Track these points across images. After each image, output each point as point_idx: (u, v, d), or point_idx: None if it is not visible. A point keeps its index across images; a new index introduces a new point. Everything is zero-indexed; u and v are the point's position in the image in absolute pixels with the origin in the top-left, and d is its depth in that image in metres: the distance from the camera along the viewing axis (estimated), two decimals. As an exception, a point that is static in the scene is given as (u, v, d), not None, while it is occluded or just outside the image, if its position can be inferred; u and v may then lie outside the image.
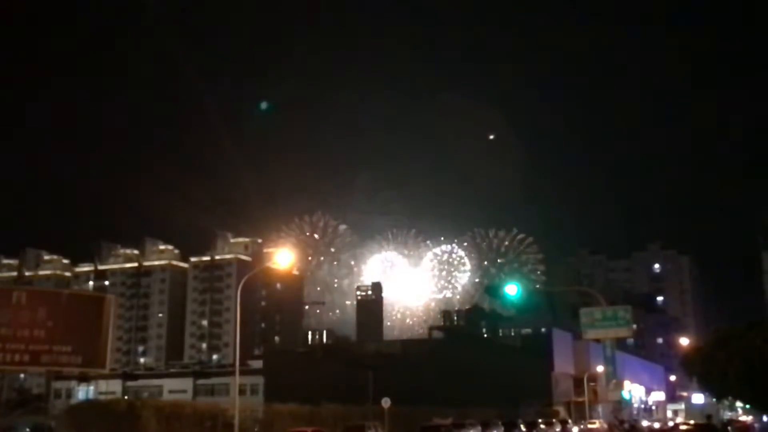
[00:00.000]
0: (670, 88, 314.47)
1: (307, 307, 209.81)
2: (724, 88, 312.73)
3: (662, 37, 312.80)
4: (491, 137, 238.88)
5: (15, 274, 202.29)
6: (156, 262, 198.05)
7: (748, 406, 76.13)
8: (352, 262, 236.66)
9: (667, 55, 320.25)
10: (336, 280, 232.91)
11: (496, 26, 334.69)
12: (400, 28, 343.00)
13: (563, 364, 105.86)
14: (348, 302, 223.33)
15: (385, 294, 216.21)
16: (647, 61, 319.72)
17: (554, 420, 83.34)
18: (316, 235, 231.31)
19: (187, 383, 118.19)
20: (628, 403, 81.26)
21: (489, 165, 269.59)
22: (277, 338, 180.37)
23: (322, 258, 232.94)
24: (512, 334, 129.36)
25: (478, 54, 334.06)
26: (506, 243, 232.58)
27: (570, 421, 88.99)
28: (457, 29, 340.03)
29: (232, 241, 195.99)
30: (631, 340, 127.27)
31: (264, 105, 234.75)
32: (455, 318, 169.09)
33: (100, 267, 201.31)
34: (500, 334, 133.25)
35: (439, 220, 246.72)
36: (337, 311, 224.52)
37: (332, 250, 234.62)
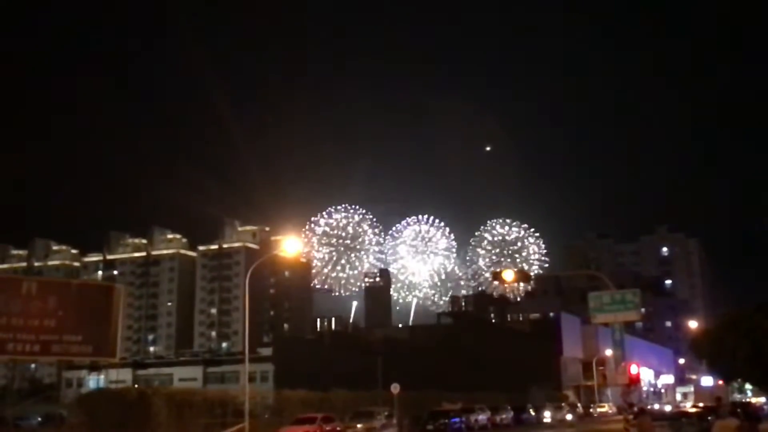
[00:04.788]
0: (670, 79, 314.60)
1: (315, 292, 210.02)
2: (723, 74, 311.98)
3: (661, 34, 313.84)
4: (488, 149, 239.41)
5: (24, 264, 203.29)
6: (164, 251, 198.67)
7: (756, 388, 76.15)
8: (358, 248, 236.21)
9: (666, 51, 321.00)
10: (343, 267, 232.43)
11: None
12: (401, 28, 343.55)
13: (572, 349, 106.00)
14: (356, 289, 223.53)
15: (393, 280, 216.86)
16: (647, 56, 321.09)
17: (563, 404, 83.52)
18: (326, 228, 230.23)
19: (197, 371, 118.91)
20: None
21: (491, 152, 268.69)
22: (286, 325, 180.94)
23: (334, 242, 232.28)
24: (521, 319, 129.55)
25: (475, 51, 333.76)
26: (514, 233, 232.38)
27: (579, 404, 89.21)
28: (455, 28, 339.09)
29: (239, 229, 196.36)
30: (639, 324, 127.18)
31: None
32: (463, 303, 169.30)
33: (109, 256, 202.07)
34: (509, 319, 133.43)
35: (440, 208, 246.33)
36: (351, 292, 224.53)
37: (338, 239, 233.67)
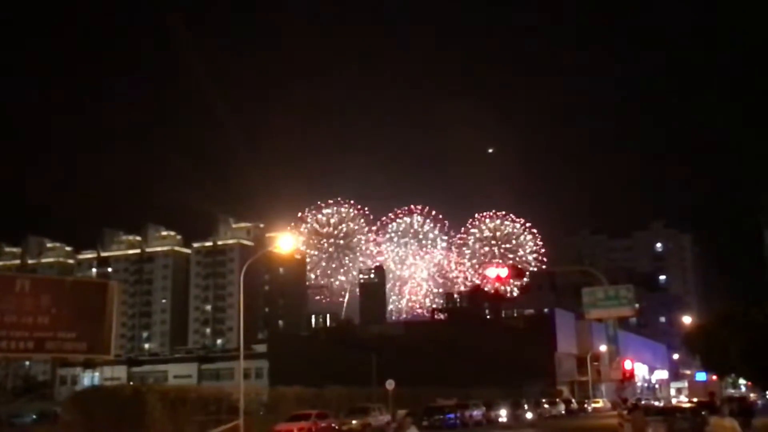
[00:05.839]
0: (669, 74, 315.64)
1: (309, 290, 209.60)
2: (723, 70, 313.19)
3: (661, 33, 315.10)
4: (490, 150, 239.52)
5: (18, 262, 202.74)
6: (158, 248, 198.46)
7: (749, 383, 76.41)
8: (353, 246, 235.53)
9: (666, 50, 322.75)
10: (336, 264, 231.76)
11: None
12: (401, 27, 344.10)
13: (566, 344, 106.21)
14: (351, 286, 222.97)
15: (387, 276, 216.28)
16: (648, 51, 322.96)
17: (558, 399, 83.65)
18: (316, 225, 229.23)
19: (191, 368, 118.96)
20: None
21: (487, 149, 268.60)
22: (280, 322, 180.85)
23: (323, 242, 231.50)
24: (515, 314, 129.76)
25: (476, 52, 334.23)
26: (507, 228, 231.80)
27: (573, 400, 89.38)
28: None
29: (234, 226, 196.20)
30: (633, 319, 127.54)
31: None
32: (458, 299, 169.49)
33: (103, 254, 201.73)
34: (503, 315, 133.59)
35: (435, 204, 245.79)
36: (343, 295, 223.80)
37: (330, 236, 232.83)
